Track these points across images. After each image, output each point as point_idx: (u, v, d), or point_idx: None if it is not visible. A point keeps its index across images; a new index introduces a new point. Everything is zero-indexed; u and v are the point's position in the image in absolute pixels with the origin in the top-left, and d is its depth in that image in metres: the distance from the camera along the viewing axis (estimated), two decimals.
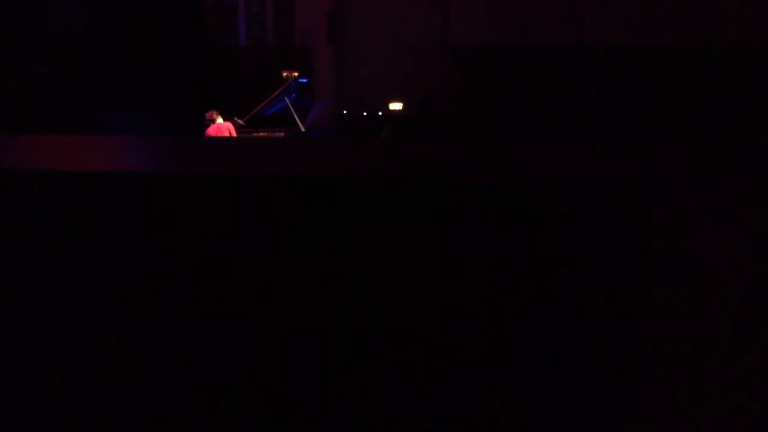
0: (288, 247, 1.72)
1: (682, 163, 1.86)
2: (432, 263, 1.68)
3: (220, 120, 7.77)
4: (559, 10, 8.99)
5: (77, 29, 8.91)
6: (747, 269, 1.64)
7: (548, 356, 1.71)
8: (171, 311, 1.75)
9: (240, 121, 8.06)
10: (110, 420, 1.85)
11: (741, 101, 7.22)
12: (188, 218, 1.75)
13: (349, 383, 1.78)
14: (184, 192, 1.76)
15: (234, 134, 7.83)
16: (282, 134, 8.27)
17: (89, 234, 1.75)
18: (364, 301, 1.73)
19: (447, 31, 9.54)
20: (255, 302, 1.76)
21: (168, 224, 1.76)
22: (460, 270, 1.68)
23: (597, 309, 1.67)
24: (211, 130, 7.70)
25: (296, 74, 9.72)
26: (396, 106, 9.87)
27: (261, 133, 8.22)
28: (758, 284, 1.64)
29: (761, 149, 1.89)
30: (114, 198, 1.75)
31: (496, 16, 9.21)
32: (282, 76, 9.73)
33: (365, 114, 9.86)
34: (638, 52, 8.31)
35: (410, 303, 1.72)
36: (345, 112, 10.00)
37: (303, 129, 8.51)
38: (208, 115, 7.72)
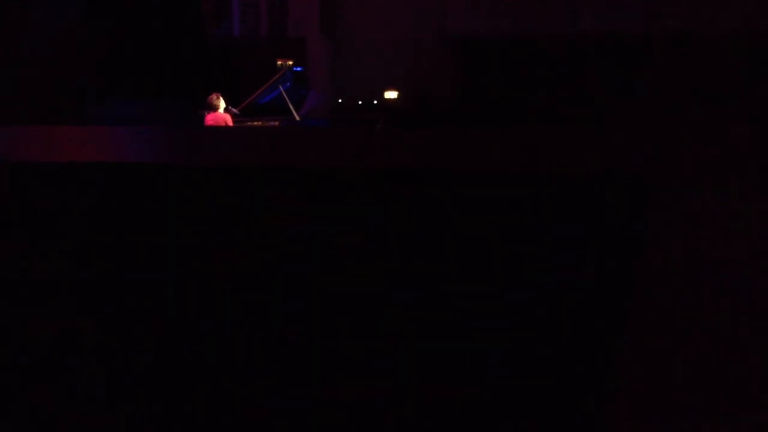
0: (292, 238, 1.71)
1: (677, 154, 1.86)
2: (426, 251, 1.68)
3: (222, 105, 7.73)
4: None
5: (72, 18, 8.85)
6: (743, 260, 1.65)
7: (541, 348, 1.71)
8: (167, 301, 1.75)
9: (234, 110, 8.04)
10: (103, 417, 1.85)
11: (738, 90, 7.22)
12: (183, 207, 1.74)
13: (346, 375, 1.78)
14: (180, 182, 1.76)
15: (231, 124, 7.81)
16: (276, 123, 8.25)
17: (87, 223, 1.74)
18: (356, 291, 1.73)
19: (443, 19, 9.51)
20: (254, 295, 1.76)
21: (164, 214, 1.75)
22: (452, 261, 1.68)
23: (591, 298, 1.67)
24: (209, 119, 7.67)
25: (291, 63, 9.68)
26: (391, 94, 9.85)
27: (255, 123, 8.20)
28: (753, 275, 1.64)
29: (758, 142, 1.89)
30: (109, 187, 1.74)
31: (492, 5, 9.18)
32: (276, 65, 9.70)
33: (360, 103, 9.85)
34: (635, 40, 8.30)
35: (397, 291, 1.72)
36: (340, 101, 9.98)
37: (298, 118, 8.49)
38: (209, 99, 7.69)
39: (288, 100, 8.45)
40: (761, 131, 1.80)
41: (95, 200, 1.77)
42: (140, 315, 1.77)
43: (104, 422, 1.79)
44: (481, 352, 1.75)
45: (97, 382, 1.79)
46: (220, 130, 6.10)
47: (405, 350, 1.78)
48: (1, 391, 1.82)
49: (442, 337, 1.76)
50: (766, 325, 1.68)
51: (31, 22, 8.17)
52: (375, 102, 9.71)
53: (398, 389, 1.78)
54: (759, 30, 7.72)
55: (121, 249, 1.77)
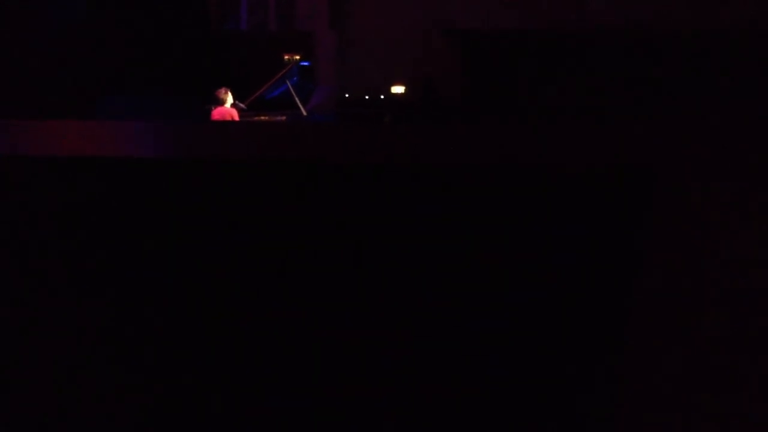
0: (297, 232, 1.72)
1: (683, 147, 1.85)
2: (427, 250, 1.68)
3: (230, 100, 7.75)
4: None
5: (77, 13, 8.87)
6: (743, 260, 1.64)
7: (541, 348, 1.72)
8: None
9: (241, 105, 8.05)
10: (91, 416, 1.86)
11: (745, 85, 7.18)
12: (187, 202, 1.75)
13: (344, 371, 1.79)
14: (184, 176, 1.76)
15: (237, 119, 7.82)
16: (284, 118, 8.25)
17: (90, 218, 1.75)
18: (362, 288, 1.74)
19: (449, 13, 9.49)
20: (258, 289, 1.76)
21: (167, 208, 1.76)
22: (452, 260, 1.68)
23: (592, 298, 1.67)
24: (216, 114, 7.69)
25: (298, 58, 9.69)
26: (398, 89, 9.85)
27: (262, 117, 8.21)
28: (753, 275, 1.64)
29: (761, 133, 1.88)
30: (114, 182, 1.75)
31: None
32: (284, 59, 9.70)
33: (367, 97, 9.85)
34: (642, 35, 8.26)
35: (400, 288, 1.72)
36: (347, 95, 9.98)
37: (304, 113, 8.49)
38: (216, 93, 7.71)
39: (295, 95, 8.44)
40: (761, 131, 1.79)
41: (96, 196, 1.78)
42: (140, 313, 1.78)
43: (104, 421, 1.80)
44: (480, 352, 1.75)
45: (96, 381, 1.81)
46: (220, 124, 6.12)
47: (405, 350, 1.79)
48: (2, 389, 1.84)
49: (442, 337, 1.77)
50: (766, 325, 1.68)
51: (37, 17, 8.19)
52: (382, 97, 9.72)
53: (398, 389, 1.78)
54: (759, 30, 7.67)
55: (122, 246, 1.78)
